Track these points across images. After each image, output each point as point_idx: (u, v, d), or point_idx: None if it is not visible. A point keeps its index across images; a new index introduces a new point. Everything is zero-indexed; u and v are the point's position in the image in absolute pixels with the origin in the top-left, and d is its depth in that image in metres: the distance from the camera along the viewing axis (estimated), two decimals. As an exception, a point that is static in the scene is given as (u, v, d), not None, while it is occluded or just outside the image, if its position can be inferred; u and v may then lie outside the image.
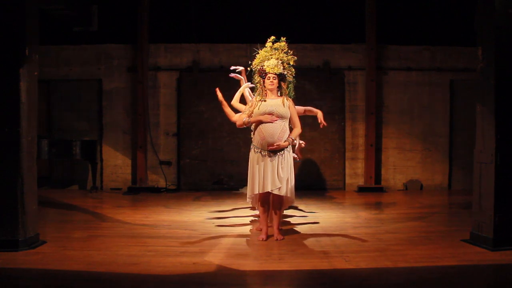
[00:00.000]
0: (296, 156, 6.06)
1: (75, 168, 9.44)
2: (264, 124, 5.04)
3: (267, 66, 5.16)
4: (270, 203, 5.26)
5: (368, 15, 9.10)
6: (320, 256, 4.52)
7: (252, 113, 5.13)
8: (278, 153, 5.04)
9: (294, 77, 5.43)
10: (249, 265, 4.29)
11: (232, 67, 5.98)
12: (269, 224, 5.34)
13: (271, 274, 4.06)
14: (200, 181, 9.44)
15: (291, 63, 5.28)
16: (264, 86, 5.20)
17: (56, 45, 9.27)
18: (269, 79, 5.15)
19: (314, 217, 6.52)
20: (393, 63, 9.43)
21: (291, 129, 5.24)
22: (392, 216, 6.66)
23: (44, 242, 4.91)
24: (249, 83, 5.77)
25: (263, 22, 8.67)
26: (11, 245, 4.55)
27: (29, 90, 4.70)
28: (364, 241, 5.12)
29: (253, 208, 6.53)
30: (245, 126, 5.45)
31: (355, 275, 4.04)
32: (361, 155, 9.39)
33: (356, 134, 9.43)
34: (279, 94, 5.24)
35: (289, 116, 5.13)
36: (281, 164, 5.04)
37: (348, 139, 9.45)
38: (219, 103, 5.53)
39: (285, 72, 5.23)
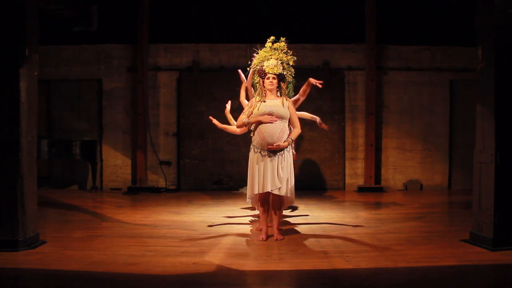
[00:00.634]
0: (321, 123, 6.37)
1: (75, 168, 9.44)
2: (264, 124, 5.04)
3: (266, 66, 5.16)
4: (270, 203, 5.26)
5: (368, 15, 9.11)
6: (320, 256, 4.52)
7: (252, 113, 5.13)
8: (278, 153, 5.04)
9: (293, 77, 5.44)
10: (249, 265, 4.29)
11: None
12: (269, 224, 5.34)
13: (271, 274, 4.06)
14: (200, 181, 9.44)
15: (291, 63, 5.28)
16: (264, 86, 5.20)
17: (56, 45, 9.27)
18: (268, 79, 5.15)
19: (314, 217, 6.52)
20: (393, 63, 9.43)
21: (290, 129, 5.25)
22: (392, 216, 6.66)
23: (44, 242, 4.91)
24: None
25: (263, 22, 8.67)
26: (11, 245, 4.55)
27: (29, 90, 4.70)
28: (364, 241, 5.12)
29: (253, 208, 6.53)
30: (245, 127, 5.45)
31: (355, 275, 4.04)
32: (361, 155, 9.39)
33: (356, 134, 9.43)
34: (278, 95, 5.24)
35: (288, 116, 5.13)
36: (281, 164, 5.04)
37: (348, 139, 9.45)
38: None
39: (284, 72, 5.23)
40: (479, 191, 4.86)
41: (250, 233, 5.56)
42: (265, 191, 5.04)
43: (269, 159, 5.03)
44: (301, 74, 5.75)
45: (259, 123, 5.07)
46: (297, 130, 5.20)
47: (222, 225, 6.02)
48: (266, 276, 4.03)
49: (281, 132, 5.04)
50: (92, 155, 8.82)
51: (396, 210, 7.27)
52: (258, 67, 5.27)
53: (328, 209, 7.23)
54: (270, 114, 5.04)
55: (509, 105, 4.66)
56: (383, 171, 9.42)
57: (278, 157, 5.04)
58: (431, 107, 9.41)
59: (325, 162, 9.47)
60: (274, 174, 5.01)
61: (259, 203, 5.30)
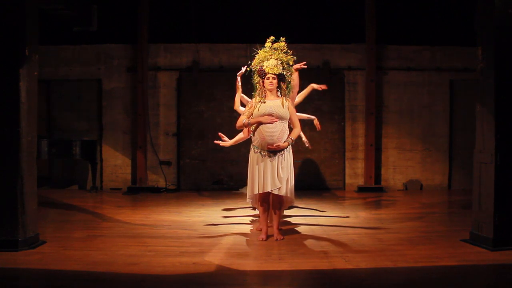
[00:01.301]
0: (306, 141, 6.39)
1: (75, 168, 9.44)
2: (264, 124, 5.04)
3: (266, 66, 5.15)
4: (270, 203, 5.26)
5: (368, 15, 9.10)
6: (320, 256, 4.52)
7: (252, 114, 5.13)
8: (278, 153, 5.04)
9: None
10: (249, 265, 4.29)
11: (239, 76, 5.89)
12: (269, 224, 5.34)
13: (271, 274, 4.06)
14: (200, 181, 9.44)
15: (291, 63, 5.28)
16: (264, 87, 5.20)
17: (56, 45, 9.27)
18: (268, 79, 5.15)
19: (314, 217, 6.52)
20: (393, 63, 9.43)
21: (290, 129, 5.24)
22: (392, 216, 6.66)
23: (44, 242, 4.91)
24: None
25: (263, 22, 8.66)
26: (11, 245, 4.55)
27: (29, 90, 4.70)
28: (364, 241, 5.12)
29: (253, 208, 6.53)
30: (245, 128, 5.46)
31: (355, 275, 4.04)
32: (361, 155, 9.39)
33: (356, 134, 9.43)
34: (278, 95, 5.23)
35: (288, 117, 5.13)
36: (281, 164, 5.04)
37: (348, 139, 9.45)
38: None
39: (284, 73, 5.22)
40: (479, 191, 4.86)
41: (250, 233, 5.56)
42: (265, 191, 5.04)
43: (269, 159, 5.03)
44: (301, 74, 5.75)
45: (259, 123, 5.06)
46: (297, 130, 5.20)
47: (222, 225, 6.02)
48: (266, 276, 4.03)
49: (281, 132, 5.04)
50: (92, 155, 8.81)
51: (396, 210, 7.27)
52: (258, 67, 5.25)
53: (328, 209, 7.22)
54: (270, 114, 5.04)
55: (509, 105, 4.66)
56: (383, 171, 9.42)
57: (278, 157, 5.04)
58: (431, 107, 9.41)
59: (325, 162, 9.47)
60: (274, 174, 5.01)
61: (259, 203, 5.30)
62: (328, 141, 9.46)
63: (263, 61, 5.21)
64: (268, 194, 5.14)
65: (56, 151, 8.41)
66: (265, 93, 5.20)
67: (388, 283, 3.89)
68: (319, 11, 9.35)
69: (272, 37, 5.31)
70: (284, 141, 5.05)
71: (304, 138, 6.42)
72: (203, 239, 5.22)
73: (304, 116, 6.44)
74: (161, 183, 9.36)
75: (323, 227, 5.89)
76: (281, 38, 5.29)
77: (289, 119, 5.16)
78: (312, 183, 9.37)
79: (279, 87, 5.23)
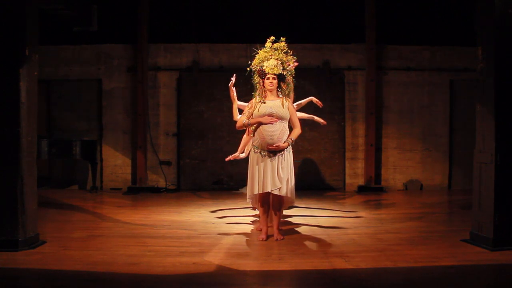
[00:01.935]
0: (321, 120, 6.39)
1: (75, 168, 9.44)
2: (264, 125, 5.03)
3: (266, 66, 5.15)
4: (270, 203, 5.26)
5: (368, 15, 9.10)
6: (320, 256, 4.52)
7: (252, 114, 5.13)
8: (278, 153, 5.04)
9: (293, 77, 5.43)
10: (249, 265, 4.29)
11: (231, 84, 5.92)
12: (269, 224, 5.34)
13: (271, 274, 4.06)
14: (200, 181, 9.44)
15: (291, 63, 5.27)
16: (264, 87, 5.19)
17: (56, 45, 9.26)
18: (268, 80, 5.15)
19: (314, 217, 6.52)
20: (393, 63, 9.43)
21: (291, 129, 5.24)
22: (392, 216, 6.66)
23: (44, 242, 4.91)
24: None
25: (263, 22, 8.66)
26: (11, 245, 4.55)
27: (29, 90, 4.70)
28: (364, 241, 5.13)
29: (253, 208, 6.53)
30: (245, 128, 5.46)
31: (355, 275, 4.04)
32: (361, 155, 9.39)
33: (356, 134, 9.43)
34: (278, 95, 5.23)
35: (288, 117, 5.13)
36: (281, 164, 5.04)
37: (348, 139, 9.45)
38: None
39: (284, 73, 5.22)
40: (479, 191, 4.86)
41: (250, 233, 5.56)
42: (265, 191, 5.04)
43: (269, 159, 5.03)
44: (301, 74, 5.75)
45: (259, 124, 5.06)
46: (297, 130, 5.19)
47: (222, 225, 6.02)
48: (266, 276, 4.03)
49: (281, 132, 5.04)
50: (92, 155, 8.81)
51: (396, 210, 7.27)
52: (258, 67, 5.25)
53: (328, 209, 7.22)
54: (270, 115, 5.03)
55: (509, 105, 4.66)
56: (383, 171, 9.42)
57: (278, 157, 5.04)
58: (431, 107, 9.41)
59: (325, 162, 9.47)
60: (274, 174, 5.01)
61: (259, 203, 5.30)
62: (328, 141, 9.46)
63: (263, 61, 5.21)
64: (268, 194, 5.14)
65: (56, 151, 8.41)
66: (265, 94, 5.20)
67: (388, 283, 3.89)
68: (319, 11, 9.35)
69: (272, 37, 5.31)
70: (284, 141, 5.05)
71: (316, 118, 6.38)
72: (203, 239, 5.22)
73: (305, 115, 6.43)
74: (161, 183, 9.36)
75: (323, 227, 5.89)
76: (281, 38, 5.29)
77: (289, 119, 5.16)
78: (312, 183, 9.36)
79: (279, 87, 5.22)
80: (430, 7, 9.04)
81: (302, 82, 5.81)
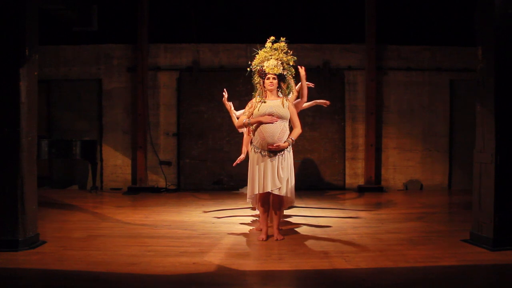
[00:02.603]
0: (323, 101, 6.34)
1: (75, 168, 9.44)
2: (264, 124, 5.03)
3: (266, 66, 5.15)
4: (270, 203, 5.26)
5: (368, 15, 9.10)
6: (320, 256, 4.52)
7: (252, 114, 5.13)
8: (278, 153, 5.04)
9: (293, 77, 5.43)
10: (249, 265, 4.29)
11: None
12: (269, 224, 5.34)
13: (271, 274, 4.06)
14: (200, 181, 9.44)
15: (291, 63, 5.27)
16: (264, 87, 5.19)
17: (56, 45, 9.27)
18: (268, 80, 5.15)
19: (314, 217, 6.52)
20: (393, 63, 9.43)
21: (291, 129, 5.24)
22: (392, 216, 6.66)
23: (44, 242, 4.91)
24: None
25: (263, 22, 8.67)
26: (11, 245, 4.55)
27: (29, 90, 4.70)
28: (364, 241, 5.12)
29: (253, 208, 6.53)
30: (245, 128, 5.46)
31: (355, 275, 4.04)
32: (361, 155, 9.39)
33: (356, 134, 9.43)
34: (279, 95, 5.23)
35: (289, 116, 5.13)
36: (281, 164, 5.03)
37: (348, 139, 9.45)
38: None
39: (284, 73, 5.22)
40: (479, 191, 4.86)
41: (250, 233, 5.56)
42: (265, 191, 5.04)
43: (269, 159, 5.03)
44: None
45: (259, 123, 5.06)
46: (297, 130, 5.19)
47: (222, 225, 6.02)
48: (266, 276, 4.03)
49: (281, 132, 5.04)
50: (92, 155, 8.81)
51: (396, 210, 7.27)
52: (258, 67, 5.25)
53: (328, 209, 7.23)
54: (270, 114, 5.03)
55: (509, 105, 4.66)
56: (383, 171, 9.42)
57: (279, 157, 5.04)
58: (431, 107, 9.41)
59: (325, 162, 9.47)
60: (274, 174, 5.01)
61: (259, 203, 5.30)
62: (328, 141, 9.46)
63: (263, 61, 5.21)
64: (268, 194, 5.14)
65: (56, 151, 8.40)
66: (265, 94, 5.20)
67: (388, 283, 3.89)
68: (319, 11, 9.35)
69: (272, 37, 5.30)
70: (285, 141, 5.05)
71: (318, 101, 6.31)
72: (203, 239, 5.22)
73: (308, 104, 6.27)
74: (161, 183, 9.36)
75: (323, 227, 5.89)
76: (281, 38, 5.29)
77: (289, 119, 5.16)
78: (312, 183, 9.36)
79: (279, 87, 5.22)
80: (430, 7, 9.04)
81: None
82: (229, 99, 5.90)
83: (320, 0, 9.34)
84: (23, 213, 4.62)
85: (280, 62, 5.19)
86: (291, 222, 6.16)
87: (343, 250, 4.73)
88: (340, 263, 4.27)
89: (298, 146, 8.98)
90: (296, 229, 5.74)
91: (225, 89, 5.90)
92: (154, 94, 9.42)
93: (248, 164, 5.30)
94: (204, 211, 6.99)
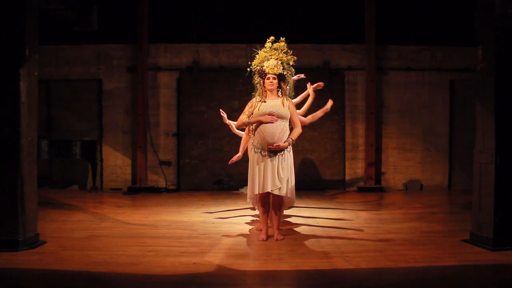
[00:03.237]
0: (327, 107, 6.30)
1: (75, 168, 9.44)
2: (264, 124, 5.03)
3: (266, 66, 5.15)
4: (270, 203, 5.26)
5: (368, 15, 9.10)
6: (320, 256, 4.52)
7: (252, 113, 5.13)
8: (278, 153, 5.04)
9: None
10: (249, 265, 4.29)
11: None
12: (269, 224, 5.34)
13: (271, 274, 4.06)
14: (200, 181, 9.44)
15: (291, 63, 5.27)
16: (264, 87, 5.19)
17: (55, 45, 9.27)
18: (268, 80, 5.14)
19: (314, 217, 6.52)
20: (393, 63, 9.43)
21: (291, 129, 5.24)
22: (392, 216, 6.66)
23: (44, 242, 4.90)
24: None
25: (263, 22, 8.67)
26: (11, 245, 4.55)
27: (29, 90, 4.70)
28: (364, 241, 5.12)
29: (253, 208, 6.53)
30: (245, 127, 5.46)
31: (355, 275, 4.04)
32: (361, 155, 9.39)
33: (356, 134, 9.43)
34: (279, 95, 5.23)
35: (289, 116, 5.13)
36: (281, 164, 5.03)
37: (348, 139, 9.45)
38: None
39: (284, 72, 5.22)
40: (479, 191, 4.86)
41: (250, 233, 5.56)
42: (265, 191, 5.04)
43: (269, 159, 5.03)
44: (301, 74, 5.76)
45: (259, 123, 5.06)
46: (297, 130, 5.19)
47: (222, 225, 6.02)
48: (266, 276, 4.03)
49: (281, 132, 5.04)
50: (92, 155, 8.81)
51: (396, 210, 7.27)
52: (258, 67, 5.25)
53: (328, 209, 7.23)
54: (270, 114, 5.03)
55: (509, 105, 4.66)
56: (383, 171, 9.42)
57: (279, 157, 5.04)
58: (431, 107, 9.41)
59: (325, 162, 9.47)
60: (274, 174, 5.00)
61: (259, 203, 5.29)
62: (328, 141, 9.46)
63: (263, 61, 5.21)
64: (268, 194, 5.14)
65: (56, 151, 8.41)
66: (266, 93, 5.20)
67: (388, 283, 3.89)
68: (319, 11, 9.35)
69: (272, 37, 5.30)
70: (285, 141, 5.04)
71: (323, 108, 6.24)
72: (203, 239, 5.22)
73: (319, 114, 6.28)
74: (161, 183, 9.36)
75: (323, 227, 5.89)
76: (281, 38, 5.29)
77: (289, 119, 5.16)
78: (312, 183, 9.37)
79: (279, 87, 5.22)
80: (430, 7, 9.04)
81: (302, 82, 5.81)
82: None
83: (320, 0, 9.34)
84: (23, 213, 4.62)
85: (280, 62, 5.18)
86: (291, 222, 6.16)
87: (343, 250, 4.73)
88: (340, 263, 4.27)
89: (298, 146, 8.98)
90: (296, 229, 5.74)
91: (221, 110, 6.21)
92: (154, 94, 9.42)
93: (248, 164, 5.29)
94: (204, 211, 6.99)
